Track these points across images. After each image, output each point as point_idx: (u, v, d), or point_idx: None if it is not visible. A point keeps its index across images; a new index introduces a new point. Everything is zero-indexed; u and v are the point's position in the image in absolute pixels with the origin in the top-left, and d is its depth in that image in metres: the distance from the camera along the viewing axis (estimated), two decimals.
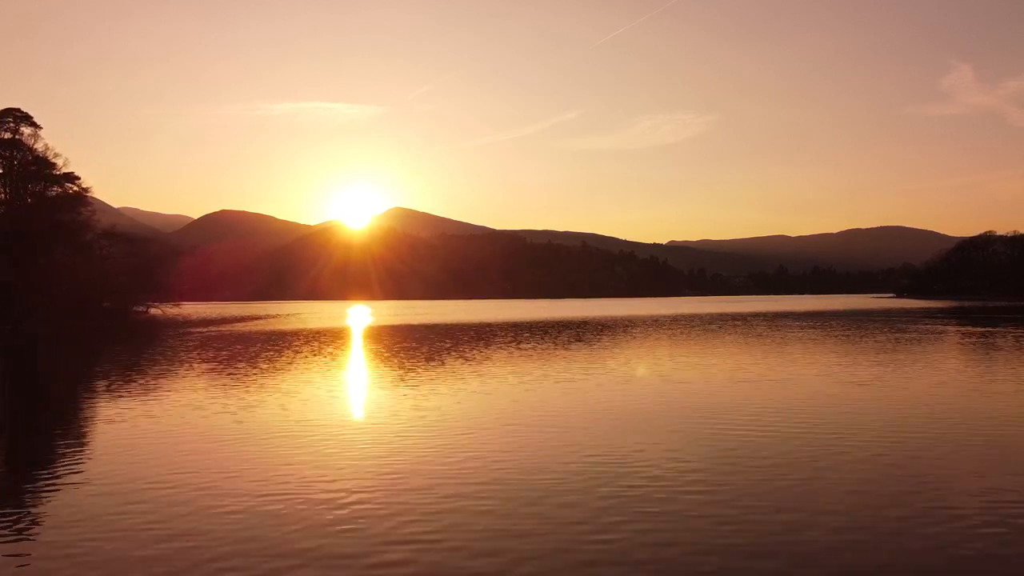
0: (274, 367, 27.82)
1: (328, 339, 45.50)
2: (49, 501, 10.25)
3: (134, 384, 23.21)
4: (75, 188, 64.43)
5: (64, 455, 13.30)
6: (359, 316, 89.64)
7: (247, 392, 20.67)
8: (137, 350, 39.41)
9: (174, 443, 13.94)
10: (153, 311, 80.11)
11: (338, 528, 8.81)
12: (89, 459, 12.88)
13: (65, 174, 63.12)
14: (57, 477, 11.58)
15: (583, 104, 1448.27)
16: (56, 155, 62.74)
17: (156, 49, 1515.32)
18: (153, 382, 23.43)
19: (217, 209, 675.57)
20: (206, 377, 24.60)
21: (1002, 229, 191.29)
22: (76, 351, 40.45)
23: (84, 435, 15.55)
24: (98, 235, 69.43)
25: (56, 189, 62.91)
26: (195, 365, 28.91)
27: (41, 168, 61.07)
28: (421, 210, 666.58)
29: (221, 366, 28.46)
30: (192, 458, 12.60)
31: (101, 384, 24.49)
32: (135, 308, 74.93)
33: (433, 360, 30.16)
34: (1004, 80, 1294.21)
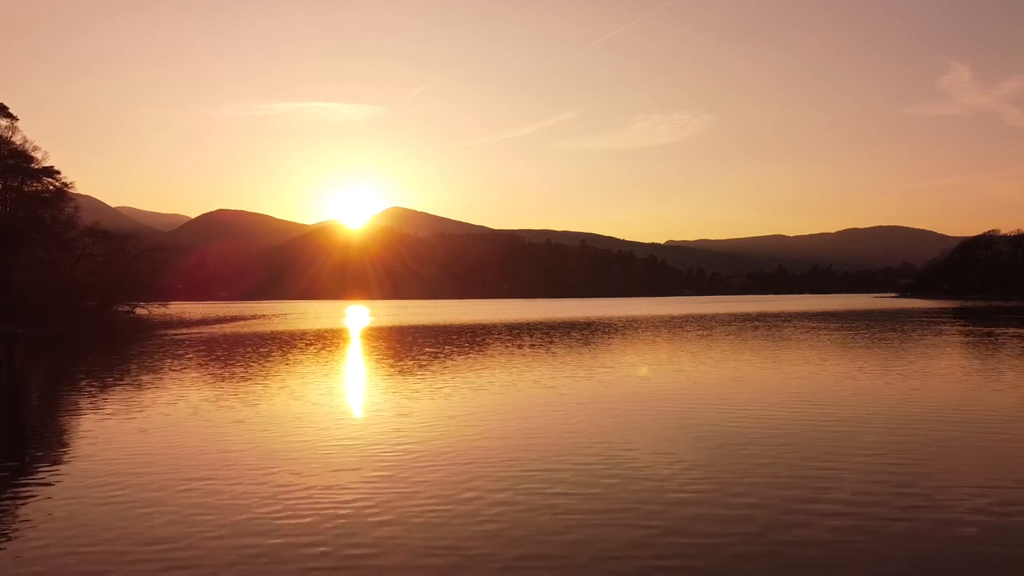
0: (252, 372, 25.53)
1: (319, 341, 43.17)
2: (25, 506, 9.80)
3: (101, 389, 21.19)
4: (56, 183, 61.94)
5: (36, 461, 12.67)
6: (356, 316, 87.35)
7: (223, 398, 18.49)
8: (108, 353, 37.11)
9: (152, 449, 13.15)
10: (139, 311, 77.70)
11: (333, 532, 8.50)
12: (64, 465, 12.21)
13: (45, 168, 60.55)
14: (31, 483, 10.96)
15: (581, 104, 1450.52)
16: (35, 148, 60.27)
17: (154, 49, 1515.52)
18: (123, 387, 21.23)
19: (214, 208, 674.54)
20: (177, 382, 22.33)
21: (1000, 228, 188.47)
22: (50, 352, 38.18)
23: (53, 442, 14.45)
24: (81, 232, 66.94)
25: (35, 184, 60.43)
26: (167, 369, 26.62)
27: (19, 162, 58.50)
28: (419, 210, 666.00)
29: (192, 371, 26.16)
30: (171, 464, 11.96)
31: (68, 389, 22.47)
32: (119, 308, 72.47)
33: (431, 363, 27.91)
34: (1001, 80, 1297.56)
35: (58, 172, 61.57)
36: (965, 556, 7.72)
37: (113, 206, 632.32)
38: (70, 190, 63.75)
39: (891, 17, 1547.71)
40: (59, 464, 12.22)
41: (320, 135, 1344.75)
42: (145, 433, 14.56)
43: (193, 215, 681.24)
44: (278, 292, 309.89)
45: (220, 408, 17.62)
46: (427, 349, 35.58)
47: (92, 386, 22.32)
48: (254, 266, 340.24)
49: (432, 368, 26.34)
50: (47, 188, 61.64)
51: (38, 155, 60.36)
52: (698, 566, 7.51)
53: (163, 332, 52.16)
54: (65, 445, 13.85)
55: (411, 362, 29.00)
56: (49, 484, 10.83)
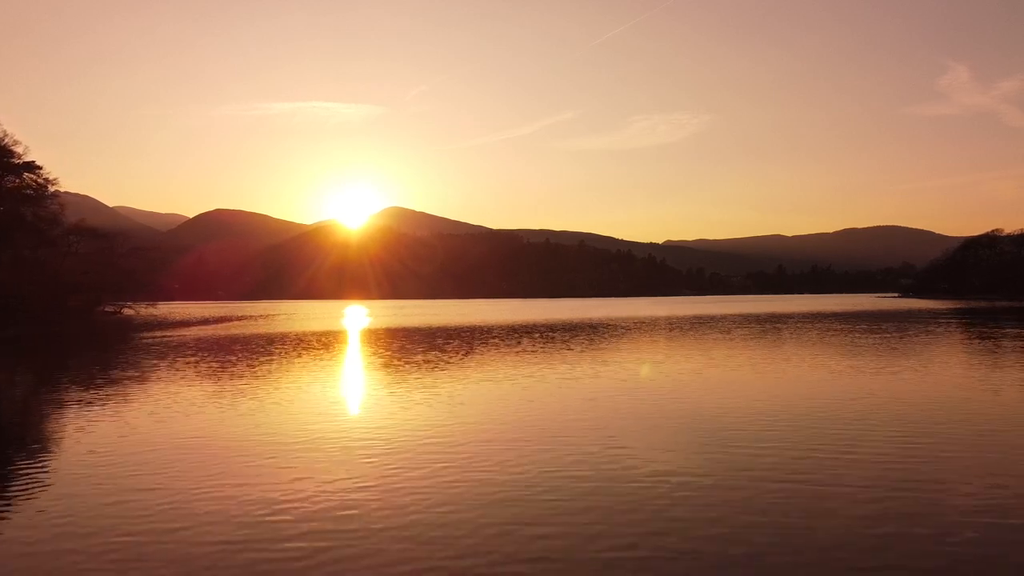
0: (232, 379, 23.76)
1: (300, 347, 41.37)
2: (12, 509, 9.52)
3: (70, 395, 19.64)
4: (38, 179, 60.00)
5: (20, 465, 11.99)
6: (354, 317, 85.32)
7: (203, 404, 16.74)
8: (81, 356, 35.35)
9: (131, 458, 12.38)
10: (127, 311, 75.74)
11: (326, 539, 8.20)
12: (48, 470, 11.62)
13: (26, 163, 58.58)
14: (18, 486, 10.55)
15: (580, 104, 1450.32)
16: (16, 143, 58.23)
17: (153, 49, 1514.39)
18: (95, 392, 19.50)
19: (213, 208, 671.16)
20: (153, 388, 20.59)
21: (1001, 228, 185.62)
22: (29, 356, 36.40)
23: (31, 448, 13.72)
24: (67, 230, 65.03)
25: (15, 180, 58.43)
26: (140, 374, 24.87)
27: None
28: (418, 209, 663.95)
29: (161, 376, 24.39)
30: (155, 472, 11.33)
31: (44, 394, 21.05)
32: (105, 308, 70.54)
33: (429, 368, 26.15)
34: (999, 80, 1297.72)
35: (40, 167, 59.73)
36: (971, 559, 7.56)
37: (111, 206, 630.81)
38: (53, 186, 61.85)
39: (890, 17, 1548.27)
40: (42, 469, 11.67)
41: (319, 135, 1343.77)
42: (123, 439, 13.85)
43: (191, 215, 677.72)
44: (276, 292, 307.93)
45: (180, 421, 15.87)
46: (425, 353, 33.79)
47: (58, 393, 20.59)
48: (252, 266, 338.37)
49: (430, 374, 24.57)
50: (28, 184, 59.69)
51: (19, 149, 58.46)
52: (701, 566, 7.38)
53: (141, 335, 50.25)
54: (44, 451, 13.26)
55: (407, 368, 27.23)
56: (37, 488, 10.53)
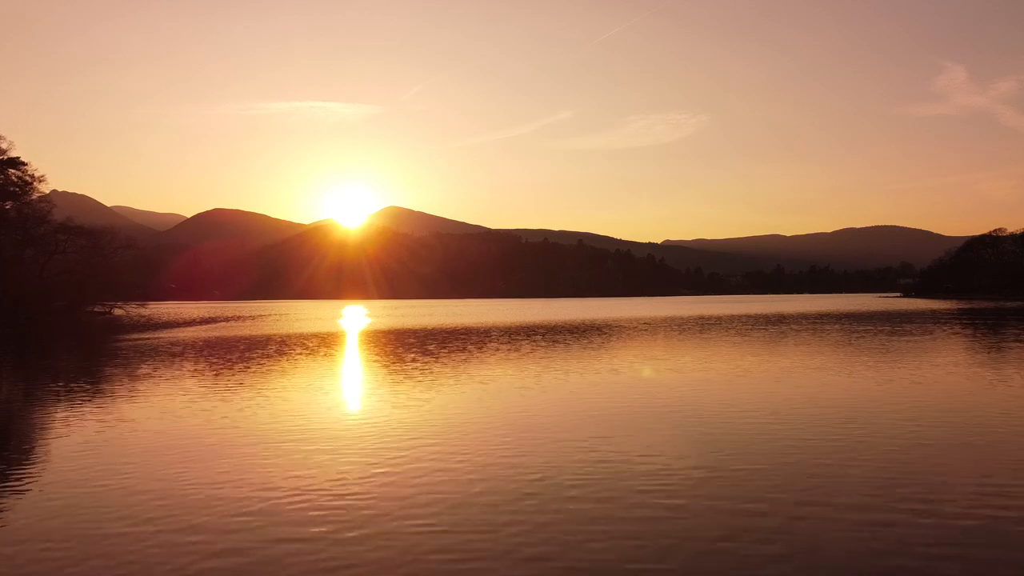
0: (203, 386, 21.99)
1: (293, 349, 39.56)
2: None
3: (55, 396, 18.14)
4: (24, 175, 58.03)
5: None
6: (350, 318, 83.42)
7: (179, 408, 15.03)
8: (61, 357, 33.56)
9: (116, 459, 12.08)
10: (117, 311, 73.78)
11: (322, 540, 8.15)
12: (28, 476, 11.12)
13: (10, 159, 56.70)
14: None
15: (577, 104, 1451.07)
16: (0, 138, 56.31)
17: (150, 48, 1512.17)
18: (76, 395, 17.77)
19: (211, 208, 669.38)
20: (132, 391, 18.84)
21: (1000, 227, 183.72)
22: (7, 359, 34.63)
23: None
24: (54, 228, 63.09)
25: None
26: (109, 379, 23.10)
27: None
28: (416, 209, 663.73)
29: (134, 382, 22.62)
30: (144, 473, 11.10)
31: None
32: (93, 308, 68.59)
33: (428, 372, 24.41)
34: (996, 81, 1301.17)
35: (25, 164, 57.82)
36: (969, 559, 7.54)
37: (108, 205, 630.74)
38: (40, 183, 59.94)
39: (887, 18, 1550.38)
40: (26, 473, 11.30)
41: (317, 134, 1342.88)
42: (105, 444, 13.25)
43: (189, 214, 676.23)
44: (274, 292, 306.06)
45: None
46: (422, 357, 32.02)
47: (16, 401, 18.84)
48: (250, 266, 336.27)
49: (427, 380, 22.81)
50: (12, 181, 57.73)
51: (3, 145, 56.49)
52: (702, 567, 7.38)
53: (122, 337, 48.37)
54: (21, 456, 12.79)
55: (404, 372, 25.47)
56: (24, 488, 10.30)
